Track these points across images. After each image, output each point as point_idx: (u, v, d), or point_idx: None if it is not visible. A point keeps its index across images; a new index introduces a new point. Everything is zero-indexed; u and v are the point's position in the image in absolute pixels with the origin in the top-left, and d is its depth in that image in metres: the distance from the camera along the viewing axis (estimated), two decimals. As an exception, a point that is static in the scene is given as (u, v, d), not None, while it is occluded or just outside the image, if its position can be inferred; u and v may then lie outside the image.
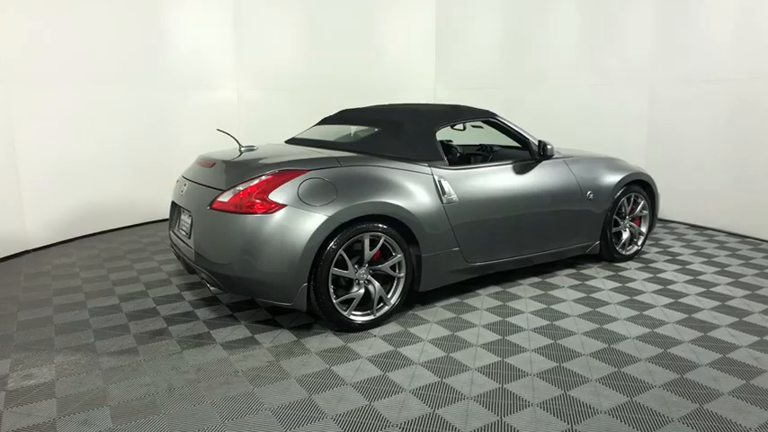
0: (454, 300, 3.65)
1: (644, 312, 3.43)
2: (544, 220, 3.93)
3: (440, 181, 3.44)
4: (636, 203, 4.59)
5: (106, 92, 5.51)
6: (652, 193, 4.64)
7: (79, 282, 4.09)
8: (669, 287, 3.90)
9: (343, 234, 3.01)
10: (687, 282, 4.02)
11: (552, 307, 3.52)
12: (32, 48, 4.83)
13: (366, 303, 3.19)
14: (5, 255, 4.73)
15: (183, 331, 3.15)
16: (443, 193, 3.43)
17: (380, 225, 3.12)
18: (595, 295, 3.75)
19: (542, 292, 3.82)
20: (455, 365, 2.73)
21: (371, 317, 3.19)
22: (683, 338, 3.03)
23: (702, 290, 3.83)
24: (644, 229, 4.68)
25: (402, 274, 3.27)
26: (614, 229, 4.44)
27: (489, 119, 3.91)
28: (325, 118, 4.44)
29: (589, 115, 6.57)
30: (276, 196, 2.94)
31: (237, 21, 6.66)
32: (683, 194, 6.00)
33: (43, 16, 4.89)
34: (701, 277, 4.12)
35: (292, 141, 4.15)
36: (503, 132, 4.00)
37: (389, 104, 4.34)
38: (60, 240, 5.28)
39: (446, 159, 3.62)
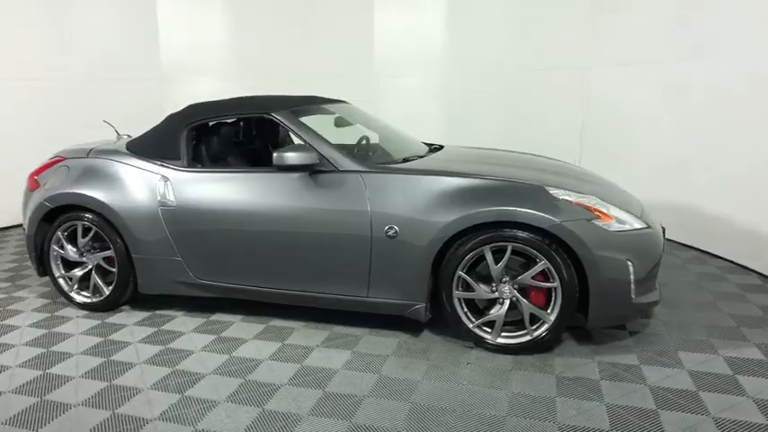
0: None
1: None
2: (301, 251, 2.94)
3: (161, 182, 3.18)
4: (529, 262, 2.66)
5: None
6: (574, 255, 2.56)
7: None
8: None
9: (62, 219, 3.36)
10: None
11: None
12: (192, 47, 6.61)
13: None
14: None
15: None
16: (160, 195, 3.17)
17: (90, 216, 3.27)
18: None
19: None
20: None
21: (88, 300, 3.41)
22: None
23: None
24: (551, 315, 2.65)
25: (114, 270, 3.31)
26: (462, 294, 2.76)
27: (265, 115, 3.15)
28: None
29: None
30: (40, 178, 3.55)
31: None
32: None
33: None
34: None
35: None
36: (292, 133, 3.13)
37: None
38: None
39: (185, 160, 3.23)
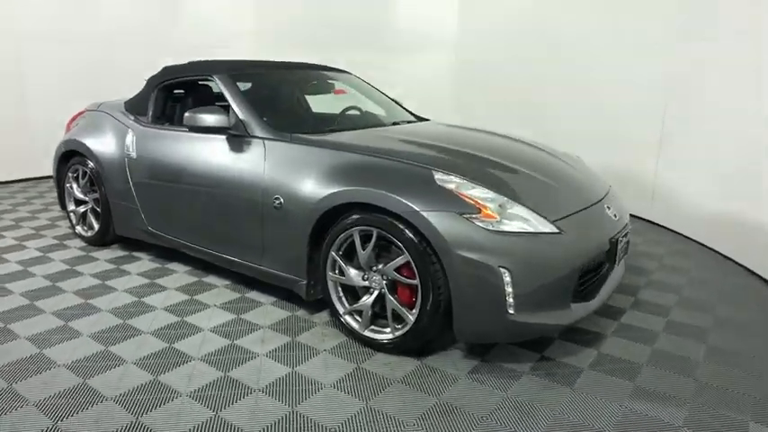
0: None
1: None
2: (214, 214, 3.00)
3: (129, 135, 3.48)
4: (388, 250, 2.37)
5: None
6: (428, 246, 2.22)
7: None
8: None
9: (71, 161, 3.90)
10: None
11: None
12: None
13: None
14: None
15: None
16: (126, 147, 3.47)
17: (86, 161, 3.74)
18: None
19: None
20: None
21: (84, 233, 3.92)
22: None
23: None
24: (411, 316, 2.33)
25: (99, 210, 3.75)
26: (335, 277, 2.56)
27: (208, 78, 3.21)
28: None
29: None
30: (73, 125, 4.15)
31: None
32: None
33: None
34: None
35: None
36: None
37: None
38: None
39: (150, 117, 3.46)
